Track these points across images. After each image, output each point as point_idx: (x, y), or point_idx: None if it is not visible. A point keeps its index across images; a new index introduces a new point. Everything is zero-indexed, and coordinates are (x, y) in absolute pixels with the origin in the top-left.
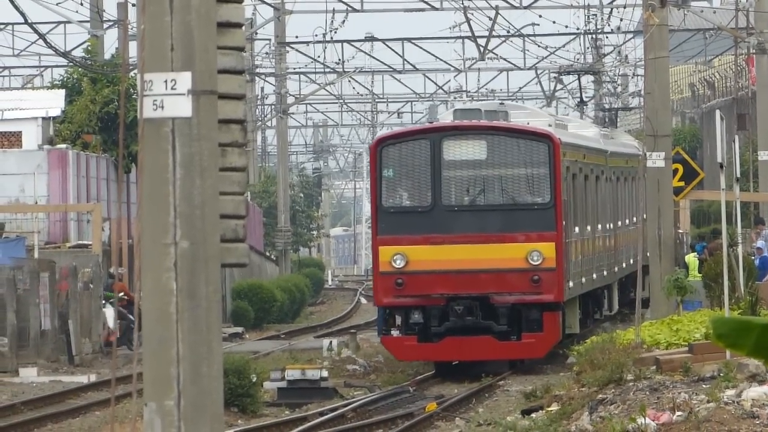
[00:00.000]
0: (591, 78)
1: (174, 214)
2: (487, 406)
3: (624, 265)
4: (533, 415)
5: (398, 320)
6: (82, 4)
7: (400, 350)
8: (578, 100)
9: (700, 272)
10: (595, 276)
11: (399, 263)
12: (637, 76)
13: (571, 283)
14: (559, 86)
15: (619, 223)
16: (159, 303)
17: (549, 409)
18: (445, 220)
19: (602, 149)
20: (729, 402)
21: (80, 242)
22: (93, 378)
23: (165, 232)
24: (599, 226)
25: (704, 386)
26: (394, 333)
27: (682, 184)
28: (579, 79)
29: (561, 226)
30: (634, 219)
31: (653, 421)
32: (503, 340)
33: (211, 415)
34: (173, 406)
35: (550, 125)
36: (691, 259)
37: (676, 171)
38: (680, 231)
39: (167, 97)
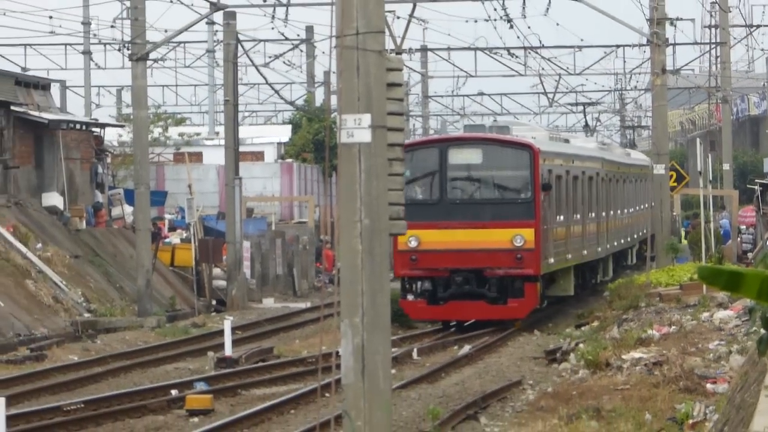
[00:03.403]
0: (618, 118)
1: (360, 202)
2: (554, 322)
3: (615, 243)
4: (582, 328)
5: (413, 288)
6: (302, 71)
7: (413, 311)
8: (586, 125)
9: (686, 239)
10: (585, 252)
11: (413, 243)
12: (647, 116)
13: (552, 260)
14: (597, 123)
15: (611, 213)
16: (350, 258)
17: (592, 324)
18: (449, 210)
19: (597, 157)
20: (705, 321)
21: (300, 220)
22: (308, 304)
23: (354, 214)
24: (592, 214)
25: (689, 310)
26: (410, 297)
27: (675, 184)
28: (584, 108)
29: (539, 216)
30: (626, 210)
31: (657, 332)
32: (493, 304)
33: (382, 328)
34: (359, 321)
35: (533, 138)
36: (681, 231)
37: (671, 176)
38: (674, 214)
39: (356, 129)
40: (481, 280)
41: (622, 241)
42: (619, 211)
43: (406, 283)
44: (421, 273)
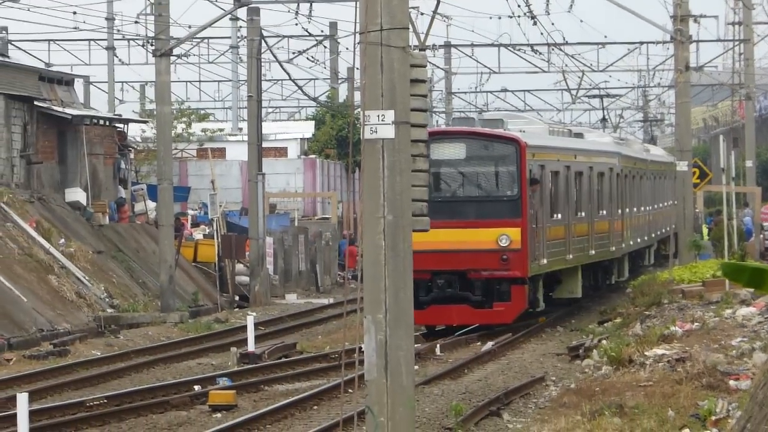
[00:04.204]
0: (640, 114)
1: (383, 198)
2: (577, 318)
3: (632, 243)
4: (605, 324)
5: None
6: (325, 67)
7: None
8: (603, 119)
9: (709, 236)
10: (593, 252)
11: None
12: (671, 113)
13: (545, 260)
14: (621, 119)
15: (627, 210)
16: (374, 254)
17: (615, 320)
18: (431, 209)
19: (612, 152)
20: (728, 317)
21: (323, 216)
22: (331, 300)
23: (377, 210)
24: (603, 212)
25: (712, 307)
26: None
27: (698, 181)
28: (602, 101)
29: (526, 215)
30: (644, 208)
31: (680, 328)
32: (478, 308)
33: (405, 324)
34: (382, 318)
35: (522, 131)
36: (704, 228)
37: (694, 173)
38: (697, 210)
39: (379, 125)
40: (464, 282)
41: (639, 240)
42: (636, 209)
43: None
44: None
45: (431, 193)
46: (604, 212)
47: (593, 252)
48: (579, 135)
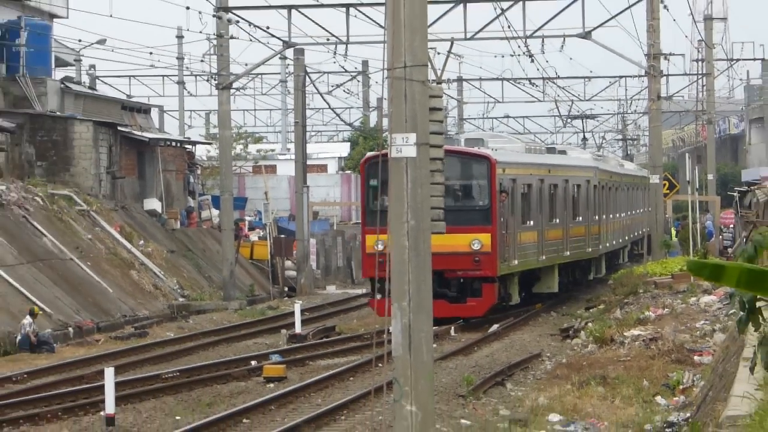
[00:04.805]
0: (619, 136)
1: (407, 206)
2: (567, 305)
3: (608, 244)
4: (591, 310)
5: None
6: (359, 98)
7: (381, 309)
8: (584, 138)
9: (677, 237)
10: (568, 253)
11: (380, 246)
12: (645, 135)
13: (515, 261)
14: (604, 141)
15: (603, 216)
16: (399, 253)
17: (599, 307)
18: None
19: (589, 167)
20: (693, 304)
21: (357, 221)
22: (364, 291)
23: (402, 216)
24: (579, 218)
25: (680, 296)
26: (378, 296)
27: (668, 191)
28: (583, 122)
29: (496, 222)
30: (618, 214)
31: (653, 313)
32: (453, 303)
33: (425, 310)
34: (407, 305)
35: (494, 149)
36: (672, 230)
37: (665, 185)
38: (667, 216)
39: (404, 146)
40: (442, 281)
41: (614, 242)
42: (611, 215)
43: (375, 284)
44: (386, 274)
45: None
46: (581, 218)
47: (568, 253)
48: (563, 152)
